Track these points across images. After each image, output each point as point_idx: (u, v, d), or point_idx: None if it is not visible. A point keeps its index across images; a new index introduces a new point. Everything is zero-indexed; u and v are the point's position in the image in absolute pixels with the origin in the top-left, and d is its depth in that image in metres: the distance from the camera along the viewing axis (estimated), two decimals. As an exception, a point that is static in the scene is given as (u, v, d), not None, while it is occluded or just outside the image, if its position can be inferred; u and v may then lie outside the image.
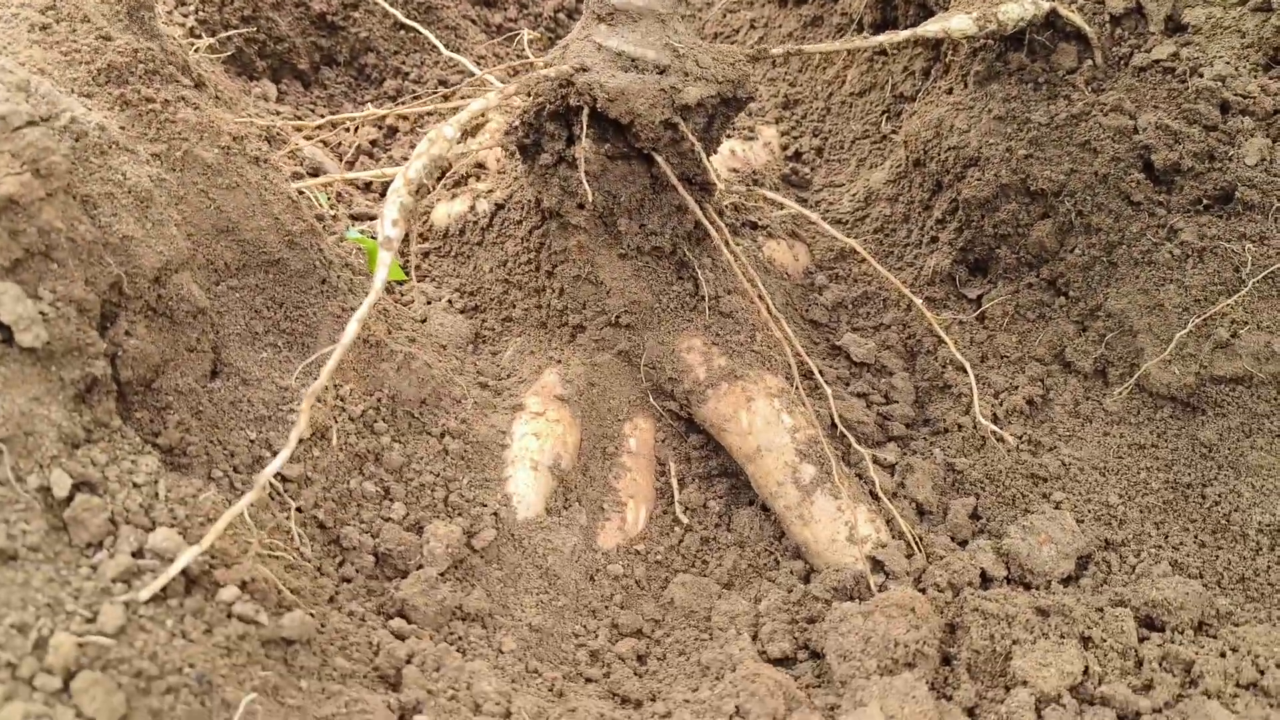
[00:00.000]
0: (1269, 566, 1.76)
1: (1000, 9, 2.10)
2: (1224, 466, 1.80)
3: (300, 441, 1.73)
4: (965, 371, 2.04)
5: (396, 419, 1.88)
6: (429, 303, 2.27)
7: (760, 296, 2.00)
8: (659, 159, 1.92)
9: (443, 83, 2.74)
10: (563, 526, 1.91)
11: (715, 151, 2.08)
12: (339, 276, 1.92)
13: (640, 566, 1.95)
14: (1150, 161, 2.00)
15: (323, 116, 2.62)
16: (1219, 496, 1.78)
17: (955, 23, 2.08)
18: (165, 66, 1.79)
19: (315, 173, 2.39)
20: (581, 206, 1.99)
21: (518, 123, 1.98)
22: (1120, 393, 1.94)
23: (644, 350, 2.06)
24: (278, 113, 2.50)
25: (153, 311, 1.60)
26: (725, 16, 2.99)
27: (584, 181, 1.83)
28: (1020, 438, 2.01)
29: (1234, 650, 1.63)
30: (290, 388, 1.77)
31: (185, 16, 2.39)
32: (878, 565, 1.84)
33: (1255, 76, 1.99)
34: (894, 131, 2.51)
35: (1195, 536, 1.81)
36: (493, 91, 1.74)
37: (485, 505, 1.85)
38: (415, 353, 1.92)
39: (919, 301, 2.01)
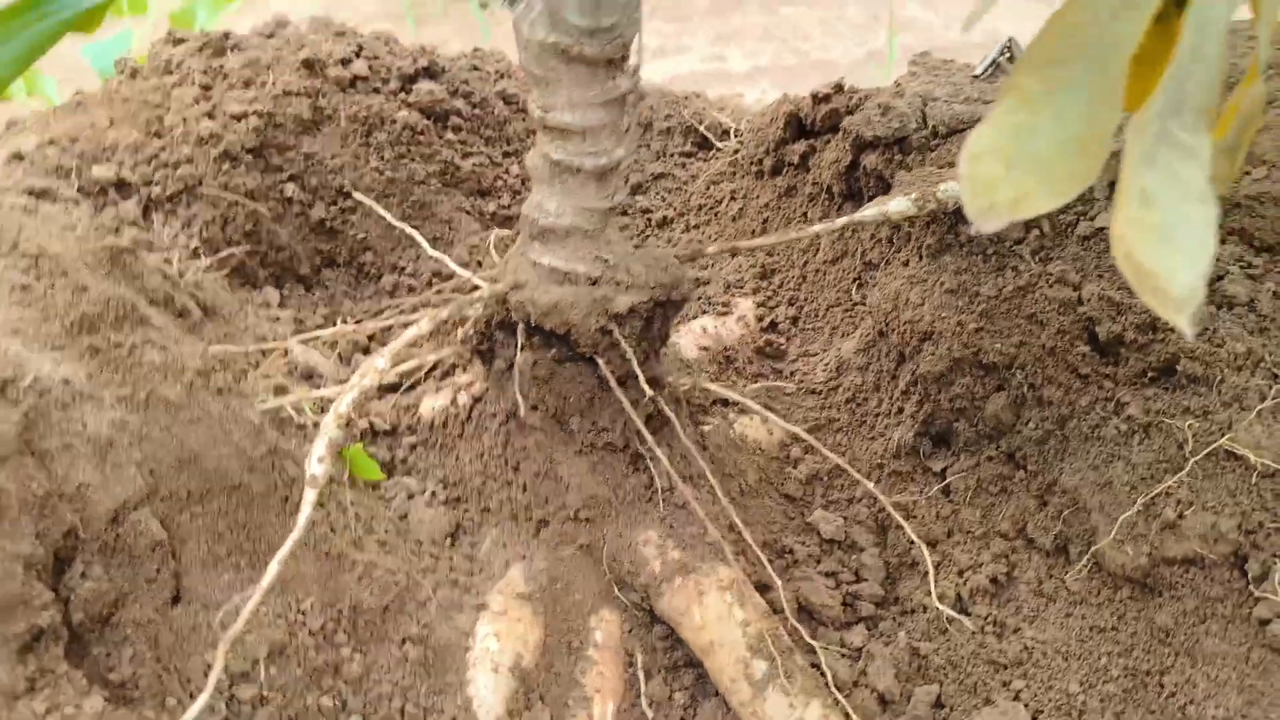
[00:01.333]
0: (1228, 762, 1.68)
1: (939, 188, 2.14)
2: (1180, 653, 1.74)
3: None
4: (925, 550, 2.02)
5: (358, 629, 1.95)
6: (410, 497, 2.36)
7: (712, 489, 2.04)
8: (600, 362, 1.99)
9: (436, 274, 2.88)
10: (524, 729, 1.93)
11: (664, 344, 2.15)
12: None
13: (605, 765, 1.96)
14: (1095, 333, 1.99)
15: (324, 316, 2.79)
16: (1175, 686, 1.72)
17: (894, 205, 2.13)
18: (135, 311, 1.94)
19: (309, 375, 2.53)
20: (535, 409, 2.07)
21: (472, 330, 2.09)
22: (1077, 571, 1.90)
23: (605, 544, 2.11)
24: (277, 318, 2.66)
25: (110, 550, 1.72)
26: (709, 189, 3.09)
27: (519, 398, 1.91)
28: (985, 618, 1.97)
29: None
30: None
31: (190, 238, 2.59)
32: (832, 764, 1.81)
33: (1196, 242, 1.97)
34: (862, 300, 2.54)
35: (1155, 729, 1.74)
36: (424, 319, 1.84)
37: (443, 712, 1.89)
38: (376, 562, 1.99)
39: (872, 486, 2.02)
